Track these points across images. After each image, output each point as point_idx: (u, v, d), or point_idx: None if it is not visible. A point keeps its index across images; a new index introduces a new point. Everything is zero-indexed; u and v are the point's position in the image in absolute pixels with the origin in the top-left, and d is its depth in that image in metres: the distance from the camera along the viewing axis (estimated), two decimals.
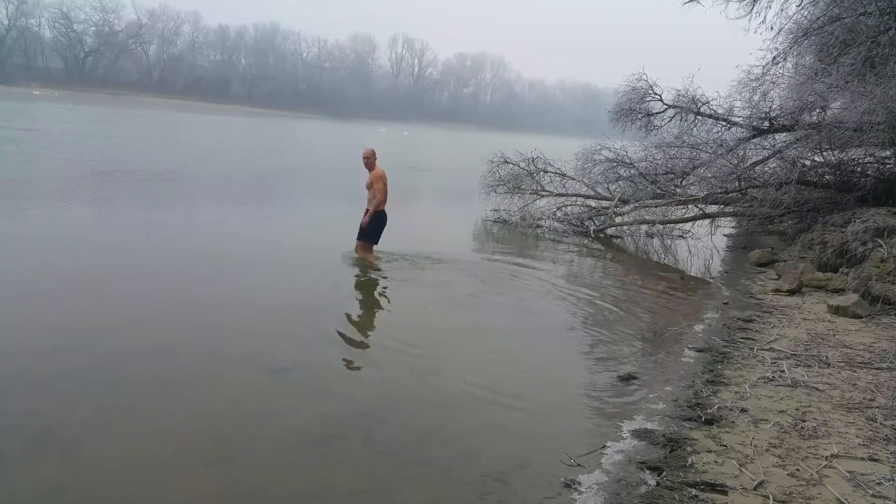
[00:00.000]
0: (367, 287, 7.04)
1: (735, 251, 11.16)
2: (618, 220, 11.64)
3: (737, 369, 4.90)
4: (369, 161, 7.74)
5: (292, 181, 17.20)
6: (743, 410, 4.08)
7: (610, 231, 11.58)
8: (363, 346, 5.15)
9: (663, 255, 10.29)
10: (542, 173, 12.77)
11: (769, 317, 6.58)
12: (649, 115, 13.14)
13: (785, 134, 11.80)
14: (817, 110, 11.06)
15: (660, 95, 12.80)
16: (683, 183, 11.80)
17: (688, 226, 11.72)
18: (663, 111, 12.99)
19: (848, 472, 3.32)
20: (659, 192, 11.49)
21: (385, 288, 7.00)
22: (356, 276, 7.44)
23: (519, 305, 6.77)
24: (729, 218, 12.18)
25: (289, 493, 3.00)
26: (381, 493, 3.05)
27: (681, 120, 12.65)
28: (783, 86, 12.15)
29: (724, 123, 12.23)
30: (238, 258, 7.64)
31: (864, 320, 6.40)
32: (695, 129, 12.51)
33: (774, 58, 12.35)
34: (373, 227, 7.80)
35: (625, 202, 11.80)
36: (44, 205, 10.01)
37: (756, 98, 11.78)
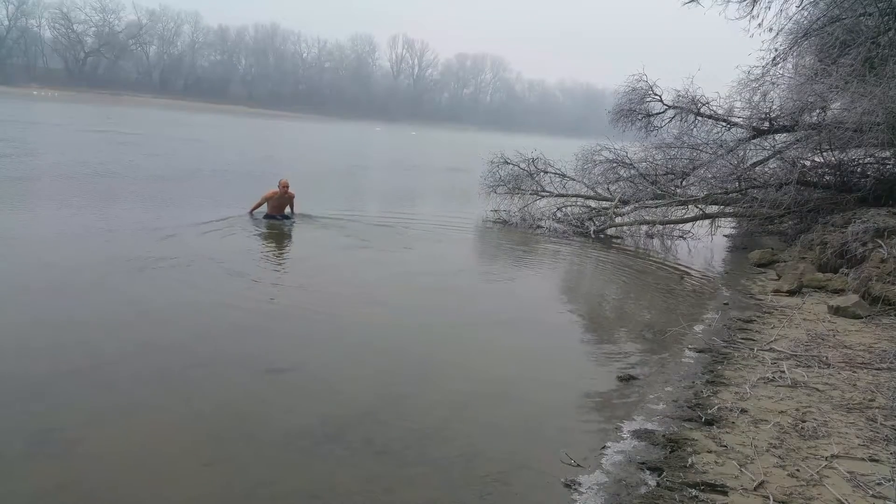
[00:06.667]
0: (366, 286, 7.03)
1: (735, 251, 11.16)
2: (618, 220, 11.63)
3: (737, 370, 4.90)
4: (288, 187, 10.37)
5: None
6: (743, 411, 4.07)
7: (610, 231, 11.58)
8: (363, 345, 5.15)
9: (663, 256, 10.28)
10: (542, 174, 12.76)
11: (769, 317, 6.58)
12: (649, 115, 13.11)
13: (785, 134, 11.80)
14: (817, 111, 11.05)
15: (660, 96, 12.79)
16: (683, 183, 11.80)
17: (688, 226, 11.71)
18: (663, 112, 12.97)
19: (848, 472, 3.32)
20: (659, 192, 11.48)
21: (383, 286, 7.00)
22: (355, 275, 7.44)
23: (518, 306, 6.77)
24: (729, 218, 12.17)
25: (289, 493, 3.00)
26: (382, 493, 3.05)
27: (681, 120, 12.64)
28: (783, 86, 12.15)
29: (724, 124, 12.22)
30: (239, 256, 7.65)
31: (864, 321, 6.39)
32: (695, 129, 12.50)
33: (774, 58, 12.34)
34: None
35: (625, 203, 11.80)
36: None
37: (756, 98, 11.79)
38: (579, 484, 3.19)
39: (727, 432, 3.77)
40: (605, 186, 12.37)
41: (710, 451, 3.52)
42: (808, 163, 11.20)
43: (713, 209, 11.41)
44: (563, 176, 12.77)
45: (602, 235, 11.37)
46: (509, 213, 12.33)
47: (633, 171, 12.08)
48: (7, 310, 5.27)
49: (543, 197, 12.58)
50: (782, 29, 12.35)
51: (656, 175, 11.85)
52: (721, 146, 11.53)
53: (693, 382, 4.60)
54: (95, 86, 76.12)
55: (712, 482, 3.19)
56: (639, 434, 3.76)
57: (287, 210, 10.47)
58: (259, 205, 10.32)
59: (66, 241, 7.78)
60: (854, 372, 4.89)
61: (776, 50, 12.35)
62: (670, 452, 3.51)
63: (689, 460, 3.40)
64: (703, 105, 12.28)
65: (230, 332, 5.12)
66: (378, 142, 47.01)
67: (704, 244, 11.12)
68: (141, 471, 3.11)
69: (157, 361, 4.40)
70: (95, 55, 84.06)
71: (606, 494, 3.11)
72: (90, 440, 3.34)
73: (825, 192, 10.76)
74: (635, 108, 13.04)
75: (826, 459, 3.45)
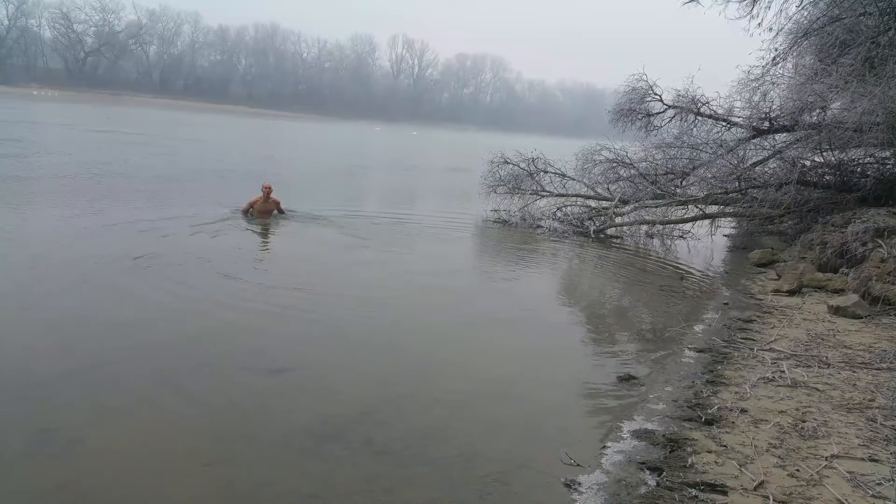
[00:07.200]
0: (366, 285, 7.03)
1: (735, 251, 11.16)
2: (618, 220, 11.63)
3: (737, 370, 4.90)
4: (271, 191, 10.31)
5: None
6: (743, 411, 4.08)
7: (610, 231, 11.58)
8: (362, 345, 5.15)
9: (663, 256, 10.28)
10: (542, 173, 12.75)
11: (769, 317, 6.58)
12: (649, 115, 13.10)
13: (785, 134, 11.79)
14: (817, 111, 11.05)
15: (660, 96, 12.78)
16: (683, 183, 11.79)
17: (688, 226, 11.71)
18: (663, 111, 12.96)
19: (848, 472, 3.32)
20: (659, 192, 11.48)
21: (383, 285, 7.00)
22: (355, 274, 7.44)
23: (519, 305, 6.76)
24: (729, 218, 12.16)
25: (289, 493, 3.00)
26: (381, 493, 3.05)
27: (681, 120, 12.63)
28: (783, 86, 12.14)
29: (724, 124, 12.21)
30: (239, 256, 7.64)
31: (864, 320, 6.39)
32: (695, 129, 12.48)
33: (774, 58, 12.34)
34: None
35: (625, 202, 11.79)
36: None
37: (756, 98, 11.77)
38: (579, 484, 3.19)
39: (727, 432, 3.77)
40: (605, 186, 12.36)
41: (710, 451, 3.52)
42: (808, 163, 11.19)
43: (713, 209, 11.40)
44: (563, 176, 12.76)
45: (602, 235, 11.37)
46: (509, 212, 12.33)
47: (633, 171, 12.07)
48: (7, 310, 5.27)
49: (543, 197, 12.58)
50: (782, 29, 12.35)
51: (656, 175, 11.84)
52: (721, 146, 11.52)
53: (693, 382, 4.60)
54: (95, 86, 76.06)
55: (712, 482, 3.19)
56: (639, 434, 3.76)
57: (275, 213, 10.39)
58: (246, 210, 10.28)
59: (69, 241, 7.77)
60: (854, 372, 4.89)
61: (776, 50, 12.35)
62: (670, 452, 3.51)
63: (689, 460, 3.40)
64: (703, 105, 12.27)
65: (230, 332, 5.12)
66: (378, 142, 47.02)
67: (704, 244, 11.12)
68: (141, 470, 3.11)
69: (158, 361, 4.40)
70: (95, 55, 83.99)
71: (606, 494, 3.11)
72: (90, 440, 3.34)
73: (825, 192, 10.75)
74: (635, 108, 13.03)
75: (826, 459, 3.45)
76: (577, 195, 12.52)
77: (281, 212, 10.49)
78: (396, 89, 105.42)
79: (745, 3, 12.23)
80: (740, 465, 3.36)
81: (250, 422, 3.68)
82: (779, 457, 3.47)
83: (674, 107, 12.63)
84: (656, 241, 11.34)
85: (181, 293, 6.02)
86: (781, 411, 4.09)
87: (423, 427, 3.74)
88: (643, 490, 3.14)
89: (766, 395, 4.37)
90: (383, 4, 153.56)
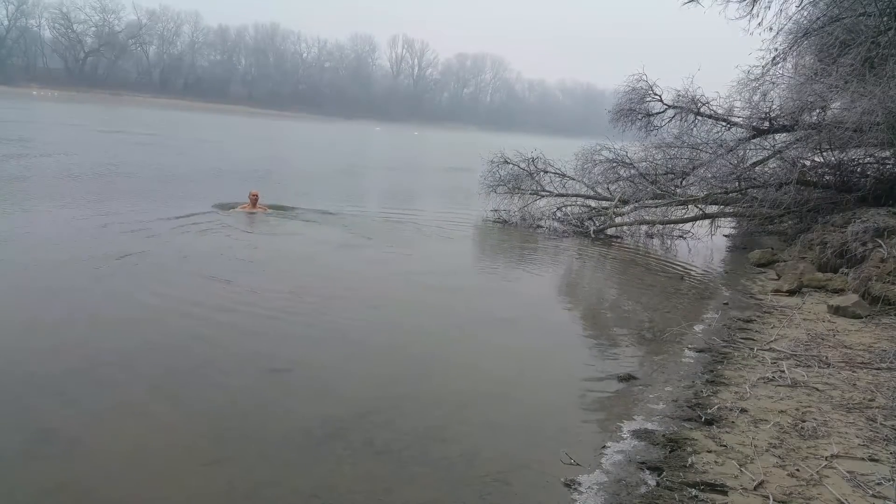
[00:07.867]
0: (366, 284, 7.04)
1: (735, 251, 11.16)
2: (618, 220, 11.63)
3: (737, 369, 4.90)
4: (258, 199, 10.73)
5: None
6: (743, 411, 4.08)
7: (610, 231, 11.58)
8: (362, 345, 5.15)
9: (663, 256, 10.28)
10: (542, 173, 12.75)
11: (769, 317, 6.59)
12: (649, 115, 13.11)
13: (785, 134, 11.80)
14: (817, 111, 11.05)
15: (660, 96, 12.79)
16: (683, 183, 11.79)
17: (688, 226, 11.71)
18: (663, 111, 12.97)
19: (848, 472, 3.32)
20: (659, 192, 11.48)
21: (383, 285, 7.00)
22: (355, 274, 7.44)
23: (519, 305, 6.77)
24: (729, 218, 12.17)
25: (289, 493, 3.00)
26: (382, 493, 3.05)
27: (681, 120, 12.64)
28: (783, 86, 12.15)
29: (724, 124, 12.22)
30: (240, 255, 7.64)
31: (864, 320, 6.40)
32: (695, 129, 12.49)
33: (774, 58, 12.35)
34: None
35: (625, 202, 11.79)
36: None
37: (756, 98, 11.79)
38: (579, 484, 3.19)
39: (727, 432, 3.77)
40: (605, 186, 12.36)
41: (709, 451, 3.52)
42: (808, 163, 11.20)
43: (713, 209, 11.41)
44: (563, 176, 12.76)
45: (602, 235, 11.37)
46: (509, 212, 12.33)
47: (633, 171, 12.07)
48: (8, 310, 5.27)
49: (543, 197, 12.58)
50: (782, 28, 12.37)
51: (656, 175, 11.84)
52: (721, 146, 11.52)
53: (693, 382, 4.61)
54: (95, 86, 76.07)
55: (712, 482, 3.19)
56: (639, 434, 3.76)
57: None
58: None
59: (71, 241, 7.76)
60: (854, 372, 4.89)
61: (776, 50, 12.37)
62: (670, 452, 3.51)
63: (689, 460, 3.40)
64: (703, 105, 12.28)
65: (230, 332, 5.12)
66: (378, 142, 47.02)
67: (704, 244, 11.12)
68: (141, 470, 3.11)
69: (158, 361, 4.40)
70: (95, 55, 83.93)
71: (606, 494, 3.11)
72: (90, 440, 3.34)
73: (825, 192, 10.76)
74: (635, 108, 13.03)
75: (826, 459, 3.45)
76: (577, 195, 12.52)
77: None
78: (396, 89, 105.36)
79: (745, 3, 12.25)
80: (740, 465, 3.36)
81: (250, 422, 3.68)
82: (779, 457, 3.48)
83: (674, 107, 12.63)
84: (656, 241, 11.35)
85: (181, 294, 6.02)
86: (781, 411, 4.09)
87: (423, 427, 3.74)
88: (643, 490, 3.14)
89: (766, 394, 4.37)
90: (383, 4, 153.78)
